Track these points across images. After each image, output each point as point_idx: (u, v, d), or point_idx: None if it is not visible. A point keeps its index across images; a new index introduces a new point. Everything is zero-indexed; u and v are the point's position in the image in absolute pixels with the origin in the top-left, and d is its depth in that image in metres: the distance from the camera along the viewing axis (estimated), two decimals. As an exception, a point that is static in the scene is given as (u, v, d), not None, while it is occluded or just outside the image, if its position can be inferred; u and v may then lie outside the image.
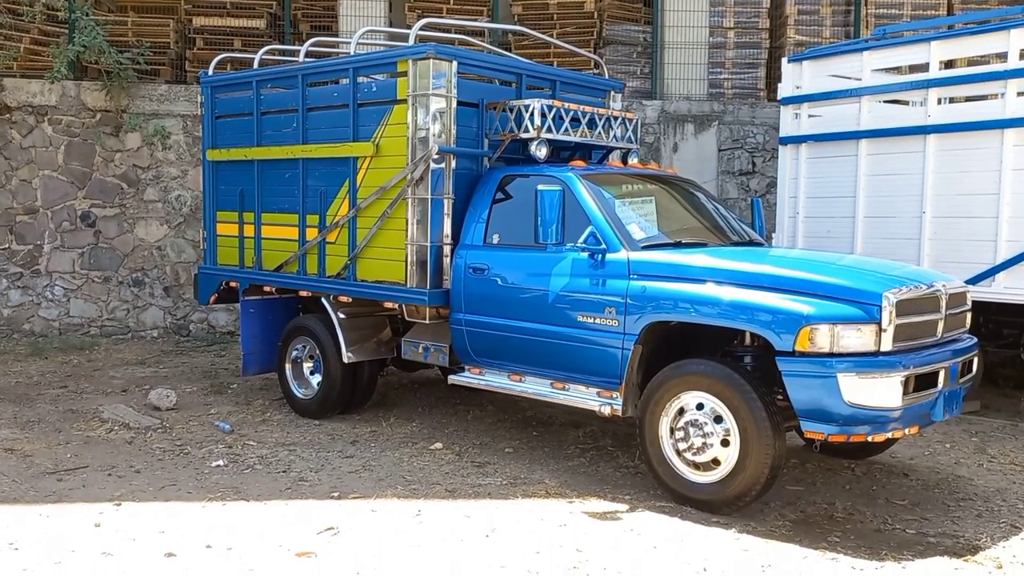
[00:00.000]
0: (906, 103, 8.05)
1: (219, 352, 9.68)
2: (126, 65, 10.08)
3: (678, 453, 4.94)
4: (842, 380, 4.48)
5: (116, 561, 4.05)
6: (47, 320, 10.36)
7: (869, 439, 4.68)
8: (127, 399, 7.33)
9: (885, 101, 7.98)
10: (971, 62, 8.34)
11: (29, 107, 10.26)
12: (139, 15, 10.92)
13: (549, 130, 6.10)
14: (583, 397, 5.49)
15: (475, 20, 10.37)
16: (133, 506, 4.81)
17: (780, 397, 4.84)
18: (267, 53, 7.90)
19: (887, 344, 4.58)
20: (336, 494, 5.04)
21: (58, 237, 10.36)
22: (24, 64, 10.42)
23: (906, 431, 4.77)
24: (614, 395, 5.30)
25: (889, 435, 4.73)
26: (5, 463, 5.55)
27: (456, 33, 8.82)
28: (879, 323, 4.56)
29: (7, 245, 10.31)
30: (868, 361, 4.54)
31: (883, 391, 4.52)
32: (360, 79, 6.45)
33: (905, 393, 4.57)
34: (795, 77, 8.28)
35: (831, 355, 4.52)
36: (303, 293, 7.08)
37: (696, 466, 4.89)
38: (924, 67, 7.38)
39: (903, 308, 4.66)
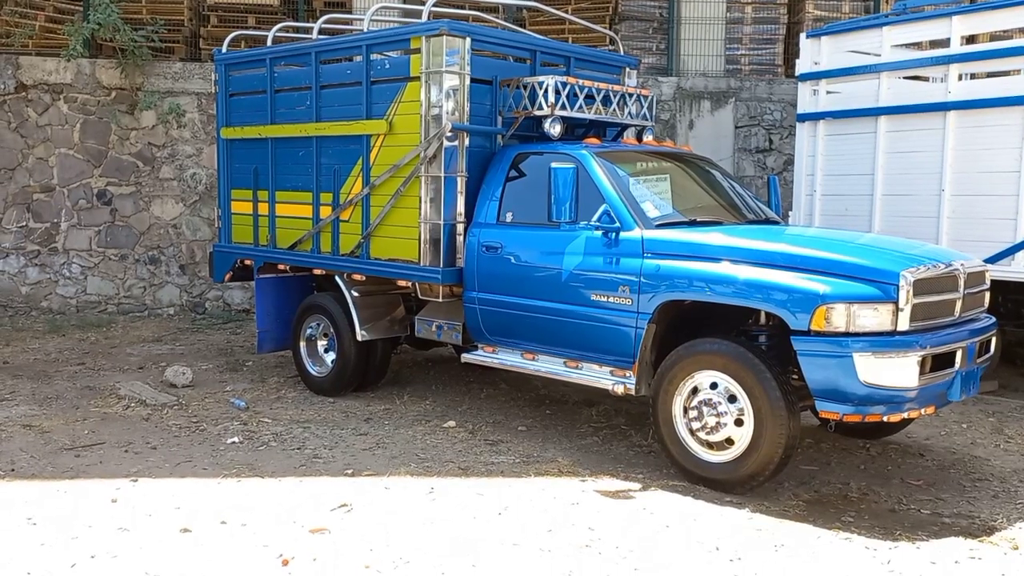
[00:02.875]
0: (926, 79, 7.94)
1: (234, 330, 9.73)
2: (140, 43, 10.08)
3: (691, 432, 4.93)
4: (858, 360, 4.44)
5: (132, 536, 4.10)
6: (64, 298, 10.45)
7: (884, 419, 4.65)
8: (144, 376, 7.39)
9: (905, 77, 7.87)
10: (993, 37, 8.19)
11: (45, 85, 10.29)
12: (154, -8, 10.91)
13: (563, 107, 6.05)
14: (596, 376, 5.48)
15: (489, -4, 10.27)
16: (149, 482, 4.86)
17: (795, 377, 4.81)
18: (281, 31, 7.86)
19: (904, 324, 4.53)
20: (350, 471, 5.07)
21: (75, 215, 10.43)
22: (39, 42, 10.43)
23: (922, 411, 4.74)
24: (627, 374, 5.29)
25: (905, 415, 4.70)
26: (24, 439, 5.62)
27: (470, 9, 8.75)
28: (896, 302, 4.51)
29: (24, 223, 10.39)
30: (884, 341, 4.50)
31: (899, 371, 4.48)
32: (373, 56, 6.41)
33: (921, 373, 4.53)
34: (813, 53, 8.16)
35: (847, 335, 4.48)
36: (317, 271, 7.09)
37: (709, 445, 4.88)
38: (945, 42, 7.26)
39: (920, 287, 4.61)
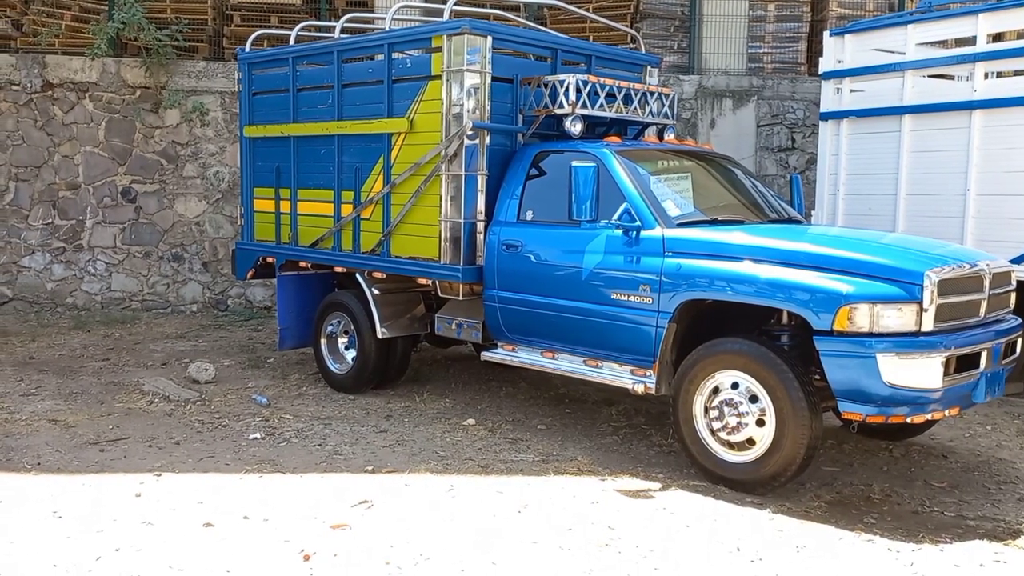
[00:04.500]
0: (951, 78, 7.85)
1: (256, 327, 9.80)
2: (165, 42, 10.17)
3: (712, 432, 4.91)
4: (881, 360, 4.41)
5: (156, 530, 4.14)
6: (89, 294, 10.57)
7: (908, 420, 4.61)
8: (167, 372, 7.46)
9: (929, 76, 7.79)
10: (1020, 35, 8.08)
11: (71, 84, 10.41)
12: (178, -8, 11.00)
13: (584, 106, 6.04)
14: (616, 375, 5.47)
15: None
16: (173, 477, 4.91)
17: (817, 377, 4.78)
18: (303, 29, 7.90)
19: (928, 324, 4.49)
20: (370, 468, 5.10)
21: (100, 212, 10.54)
22: (65, 41, 10.55)
23: (946, 413, 4.69)
24: (648, 373, 5.28)
25: (929, 416, 4.66)
26: (50, 433, 5.69)
27: (491, 8, 8.75)
28: (920, 303, 4.47)
29: (50, 220, 10.51)
30: (908, 341, 4.46)
31: (923, 372, 4.45)
32: (395, 55, 6.43)
33: (946, 374, 4.49)
34: (837, 51, 8.10)
35: (870, 335, 4.45)
36: (338, 269, 7.12)
37: (730, 445, 4.86)
38: (971, 40, 7.17)
39: (945, 288, 4.57)
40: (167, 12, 10.66)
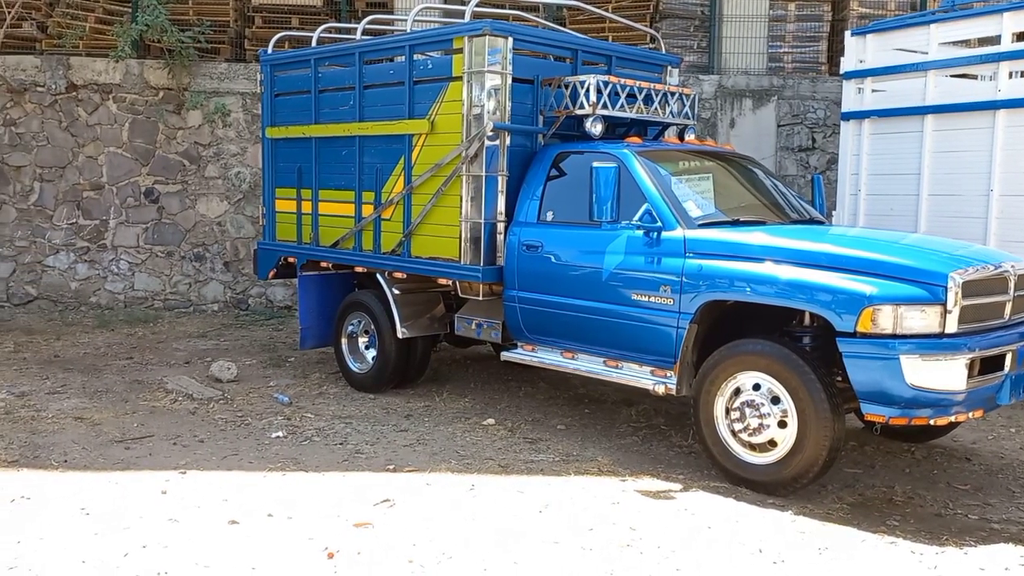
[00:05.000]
0: (974, 77, 7.79)
1: (277, 326, 9.87)
2: (187, 44, 10.26)
3: (733, 434, 4.90)
4: (904, 362, 4.39)
5: (182, 527, 4.19)
6: (113, 293, 10.68)
7: (931, 422, 4.59)
8: (190, 371, 7.53)
9: (952, 75, 7.73)
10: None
11: (95, 85, 10.53)
12: (200, -6, 11.10)
13: (604, 106, 6.04)
14: (636, 376, 5.47)
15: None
16: (197, 474, 4.96)
17: (839, 378, 4.77)
18: (324, 31, 7.95)
19: (952, 326, 4.47)
20: (391, 467, 5.13)
21: (123, 212, 10.65)
22: (89, 43, 10.67)
23: (970, 415, 4.66)
24: (668, 374, 5.28)
25: (952, 419, 4.63)
26: (76, 431, 5.77)
27: (511, 9, 8.77)
28: (944, 304, 4.45)
29: (74, 220, 10.64)
30: (932, 343, 4.44)
31: (946, 373, 4.43)
32: (416, 56, 6.46)
33: (970, 376, 4.46)
34: (858, 51, 8.06)
35: (893, 336, 4.43)
36: (359, 269, 7.16)
37: (752, 447, 4.85)
38: (995, 39, 7.12)
39: (969, 289, 4.54)
40: (189, 14, 10.76)
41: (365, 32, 7.41)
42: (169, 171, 10.65)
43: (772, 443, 4.77)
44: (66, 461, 5.17)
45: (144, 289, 10.71)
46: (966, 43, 7.78)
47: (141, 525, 4.20)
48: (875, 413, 4.55)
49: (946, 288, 4.45)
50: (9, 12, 10.09)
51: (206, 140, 10.65)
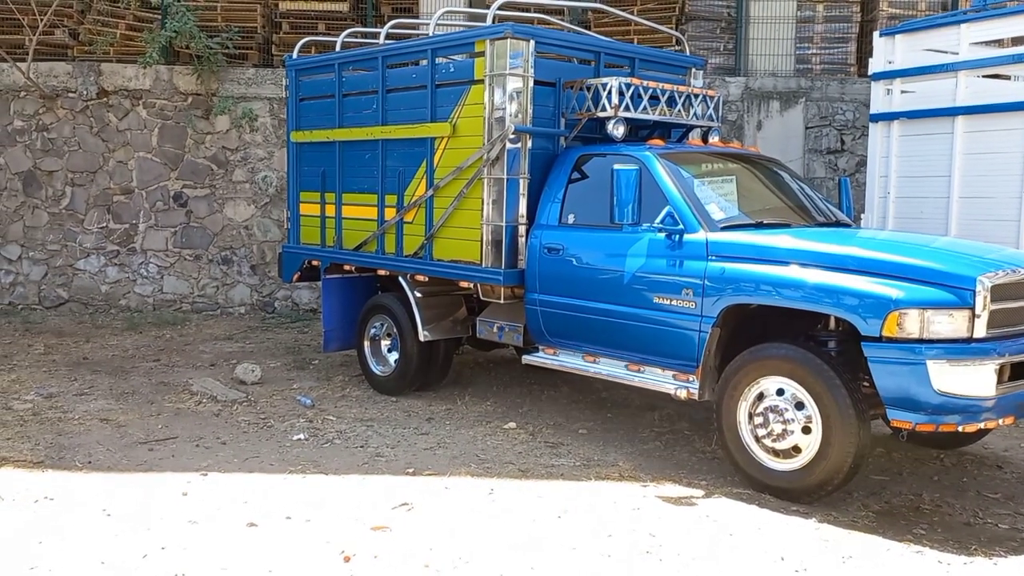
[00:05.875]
0: (1007, 78, 7.64)
1: (302, 329, 9.93)
2: (215, 49, 10.37)
3: (757, 439, 4.83)
4: (932, 367, 4.30)
5: (202, 529, 4.21)
6: (142, 296, 10.81)
7: (960, 429, 4.48)
8: (215, 373, 7.59)
9: (983, 76, 7.59)
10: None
11: (125, 91, 10.67)
12: (228, 0, 11.20)
13: (627, 108, 6.00)
14: (659, 380, 5.42)
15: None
16: (218, 476, 4.99)
17: (865, 384, 4.68)
18: (348, 36, 7.99)
19: (981, 330, 4.37)
20: (411, 470, 5.12)
21: (152, 216, 10.78)
22: (120, 49, 10.83)
23: (1000, 422, 4.55)
24: (691, 378, 5.22)
25: (981, 426, 4.52)
26: (101, 432, 5.83)
27: (534, 12, 8.76)
28: (972, 308, 4.35)
29: (105, 224, 10.79)
30: (960, 348, 4.35)
31: (975, 379, 4.33)
32: (438, 60, 6.47)
33: (999, 382, 4.36)
34: (887, 51, 7.93)
35: (921, 341, 4.34)
36: (381, 272, 7.18)
37: (775, 453, 4.77)
38: (1028, 39, 6.99)
39: (999, 293, 4.44)
40: (218, 20, 10.88)
41: (388, 37, 7.43)
42: (197, 175, 10.76)
43: (796, 449, 4.70)
44: (90, 462, 5.22)
45: (172, 292, 10.83)
46: (998, 43, 7.63)
47: (161, 526, 4.23)
48: (901, 419, 4.46)
49: (974, 292, 4.36)
50: (42, 19, 10.26)
51: (234, 145, 10.75)
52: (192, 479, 4.93)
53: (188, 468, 5.12)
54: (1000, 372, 4.36)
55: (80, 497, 4.62)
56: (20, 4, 10.49)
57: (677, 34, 8.46)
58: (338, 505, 4.54)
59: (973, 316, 4.36)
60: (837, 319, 4.75)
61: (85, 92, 10.61)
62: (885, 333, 4.40)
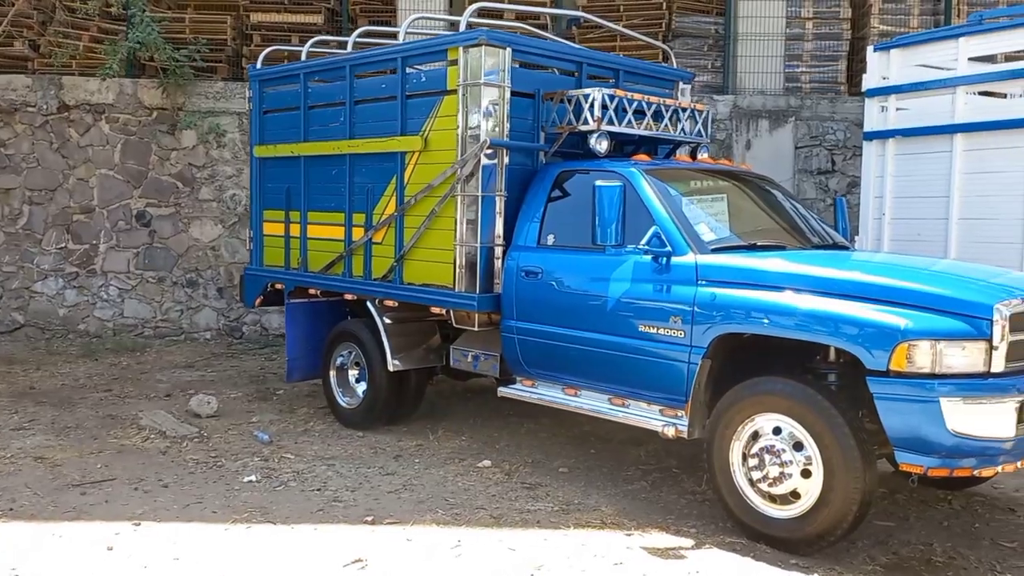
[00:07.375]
0: (1002, 95, 7.32)
1: (269, 355, 9.42)
2: (182, 62, 9.92)
3: (751, 483, 4.38)
4: (945, 406, 3.88)
5: (126, 590, 3.71)
6: (101, 320, 10.27)
7: (976, 474, 4.06)
8: (169, 404, 7.08)
9: (982, 92, 7.25)
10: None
11: (87, 105, 10.19)
12: (197, 12, 10.79)
13: (611, 122, 5.60)
14: (644, 415, 4.97)
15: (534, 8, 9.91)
16: (152, 527, 4.46)
17: (868, 420, 4.24)
18: (315, 45, 7.57)
19: (999, 364, 3.96)
20: (370, 518, 4.62)
21: (113, 236, 10.27)
22: (83, 62, 10.35)
23: (1019, 464, 4.13)
24: (679, 414, 4.77)
25: (999, 470, 4.11)
26: (32, 473, 5.30)
27: (515, 20, 8.38)
28: (989, 340, 3.94)
29: (64, 244, 10.26)
30: (976, 384, 3.94)
31: (993, 419, 3.93)
32: (408, 69, 6.06)
33: (1019, 421, 3.95)
34: (882, 67, 7.58)
35: (932, 376, 3.92)
36: (348, 296, 6.71)
37: (772, 498, 4.32)
38: (1028, 54, 6.66)
39: (1017, 323, 4.03)
40: (186, 32, 10.45)
41: (357, 46, 7.01)
42: (162, 194, 10.27)
43: (795, 495, 4.24)
44: (12, 509, 4.68)
45: (134, 316, 10.29)
46: (993, 59, 7.31)
47: (78, 587, 3.72)
48: (911, 463, 4.02)
49: (991, 321, 3.95)
50: (-1, 30, 9.80)
51: (200, 161, 10.28)
52: (122, 530, 4.40)
53: (120, 516, 4.59)
54: (1020, 411, 3.94)
55: (-10, 551, 4.11)
56: (-24, 14, 10.04)
57: (664, 47, 8.09)
58: (282, 563, 4.03)
59: (990, 348, 3.95)
60: (838, 350, 4.32)
61: (45, 106, 10.13)
62: (893, 367, 3.97)
